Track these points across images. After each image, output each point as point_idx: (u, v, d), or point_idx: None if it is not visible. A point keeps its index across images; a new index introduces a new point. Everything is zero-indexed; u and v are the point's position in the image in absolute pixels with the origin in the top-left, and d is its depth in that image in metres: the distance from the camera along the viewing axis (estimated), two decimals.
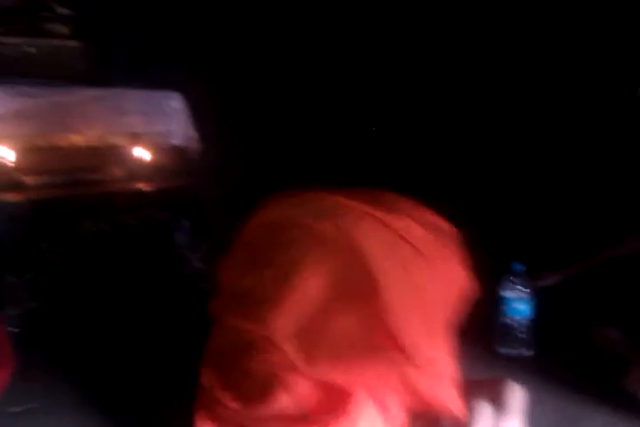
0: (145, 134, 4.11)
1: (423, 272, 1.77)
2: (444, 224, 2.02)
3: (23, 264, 3.16)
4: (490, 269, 2.38)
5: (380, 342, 1.56)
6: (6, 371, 1.56)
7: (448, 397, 1.59)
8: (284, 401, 1.51)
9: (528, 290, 2.84)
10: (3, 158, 3.47)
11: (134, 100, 4.10)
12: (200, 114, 4.30)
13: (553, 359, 2.67)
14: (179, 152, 4.18)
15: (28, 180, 3.53)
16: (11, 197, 3.36)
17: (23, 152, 3.58)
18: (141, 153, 3.99)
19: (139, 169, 3.95)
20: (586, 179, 3.48)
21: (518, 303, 2.82)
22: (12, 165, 3.48)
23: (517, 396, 1.73)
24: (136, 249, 3.52)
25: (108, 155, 3.93)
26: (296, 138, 4.49)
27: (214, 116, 4.42)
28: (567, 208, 3.46)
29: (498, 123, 3.97)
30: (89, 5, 4.58)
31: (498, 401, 1.68)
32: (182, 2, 4.79)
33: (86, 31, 4.36)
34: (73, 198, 3.47)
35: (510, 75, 3.93)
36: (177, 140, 4.22)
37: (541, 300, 2.84)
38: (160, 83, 4.25)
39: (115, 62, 4.43)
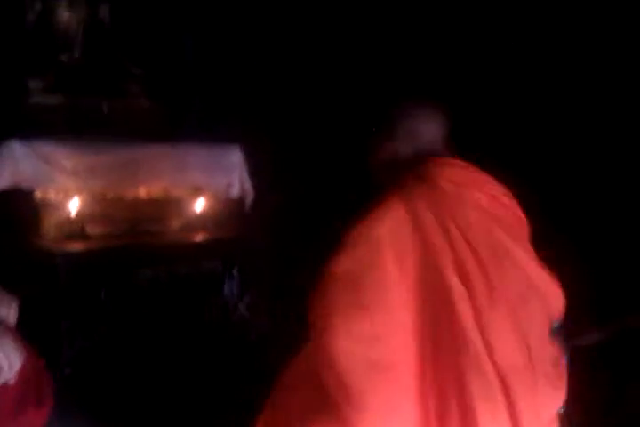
0: (204, 187, 4.36)
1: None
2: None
3: (82, 309, 3.41)
4: None
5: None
6: (46, 409, 1.73)
7: None
8: None
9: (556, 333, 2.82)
10: (71, 210, 3.77)
11: (196, 154, 4.36)
12: (257, 167, 4.53)
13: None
14: (235, 203, 4.41)
15: (95, 230, 3.82)
16: (75, 246, 3.64)
17: (90, 204, 3.89)
18: (199, 205, 4.22)
19: (195, 220, 4.19)
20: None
21: None
22: (79, 216, 3.77)
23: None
24: (188, 297, 3.71)
25: (168, 207, 4.19)
26: (345, 190, 4.62)
27: (270, 169, 4.65)
28: (605, 267, 3.41)
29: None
30: (160, 66, 4.96)
31: None
32: (241, 68, 5.12)
33: (156, 90, 4.72)
34: (131, 248, 3.71)
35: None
36: (234, 192, 4.44)
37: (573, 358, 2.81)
38: (221, 138, 4.52)
39: (180, 119, 4.75)
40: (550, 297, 1.68)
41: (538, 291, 1.63)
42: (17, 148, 3.61)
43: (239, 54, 5.41)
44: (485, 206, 1.63)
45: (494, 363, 1.48)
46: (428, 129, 1.74)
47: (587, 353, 2.84)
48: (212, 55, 5.46)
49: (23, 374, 1.18)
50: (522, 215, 1.73)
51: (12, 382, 1.14)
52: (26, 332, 3.40)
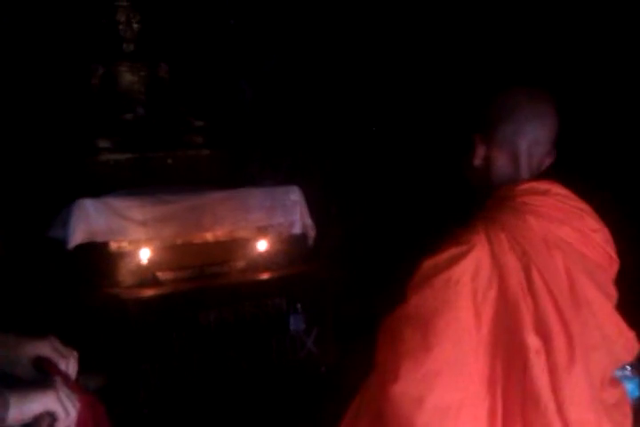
0: (268, 227, 4.51)
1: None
2: None
3: (155, 352, 3.58)
4: None
5: None
6: None
7: None
8: None
9: (635, 368, 2.73)
10: (142, 259, 3.99)
11: (257, 197, 4.52)
12: (317, 204, 4.65)
13: None
14: (298, 241, 4.53)
15: (164, 276, 4.02)
16: (147, 292, 3.84)
17: (160, 251, 4.10)
18: (263, 244, 4.37)
19: (261, 259, 4.33)
20: None
21: (624, 382, 2.71)
22: (150, 263, 3.99)
23: None
24: (255, 335, 3.83)
25: (233, 248, 4.36)
26: (406, 226, 4.66)
27: (331, 206, 4.77)
28: None
29: None
30: (219, 117, 5.22)
31: None
32: (295, 114, 5.30)
33: (217, 140, 4.96)
34: (200, 291, 3.88)
35: None
36: (297, 230, 4.57)
37: None
38: (280, 179, 4.69)
39: (240, 165, 4.96)
40: (621, 345, 1.56)
41: (610, 340, 1.52)
42: (89, 204, 3.88)
43: (293, 99, 5.61)
44: (574, 244, 1.50)
45: (564, 420, 1.39)
46: (533, 130, 1.50)
47: None
48: (267, 103, 5.68)
49: (82, 420, 1.28)
50: (613, 254, 1.56)
51: None
52: (106, 374, 3.59)
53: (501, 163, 1.54)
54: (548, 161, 1.58)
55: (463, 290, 1.41)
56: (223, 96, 5.63)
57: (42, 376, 1.30)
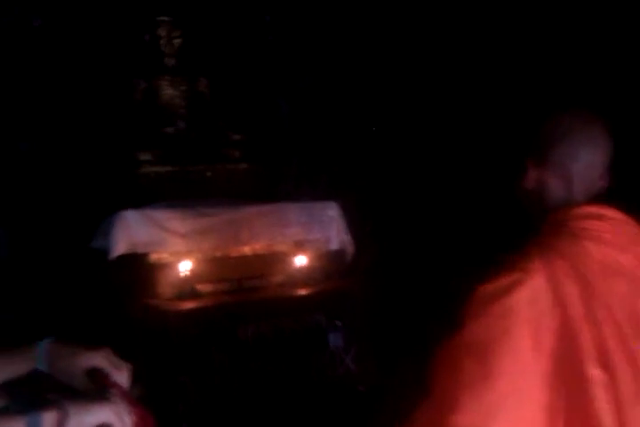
0: (305, 242, 4.50)
1: None
2: None
3: (194, 365, 3.56)
4: None
5: None
6: None
7: None
8: None
9: None
10: (184, 271, 3.99)
11: (295, 211, 4.52)
12: (355, 220, 4.64)
13: None
14: (335, 256, 4.51)
15: (203, 288, 4.01)
16: (186, 304, 3.84)
17: (199, 264, 4.10)
18: (301, 259, 4.35)
19: (298, 274, 4.31)
20: None
21: None
22: (190, 275, 3.99)
23: None
24: (293, 351, 3.80)
25: (271, 262, 4.35)
26: (446, 240, 4.62)
27: (368, 222, 4.75)
28: None
29: None
30: (257, 131, 5.25)
31: None
32: (335, 128, 5.32)
33: (254, 154, 4.99)
34: (238, 304, 3.86)
35: None
36: (334, 246, 4.55)
37: None
38: (319, 194, 4.69)
39: (278, 180, 4.98)
40: None
41: None
42: (130, 216, 3.90)
43: (330, 115, 5.64)
44: (634, 271, 1.44)
45: None
46: (587, 154, 1.47)
47: None
48: (308, 116, 5.71)
49: None
50: None
51: None
52: (143, 384, 3.58)
53: (554, 186, 1.51)
54: (601, 185, 1.54)
55: (521, 319, 1.36)
56: (260, 111, 5.67)
57: (96, 388, 1.29)
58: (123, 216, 3.89)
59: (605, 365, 1.33)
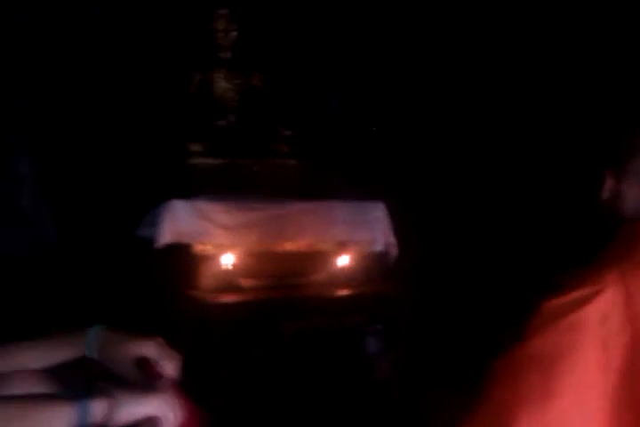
0: (350, 242, 4.45)
1: None
2: None
3: (231, 359, 3.55)
4: None
5: None
6: None
7: None
8: None
9: None
10: (227, 264, 3.99)
11: (341, 210, 4.48)
12: (402, 223, 4.57)
13: None
14: (379, 258, 4.45)
15: (245, 282, 4.00)
16: (228, 297, 3.83)
17: (243, 258, 4.09)
18: (344, 259, 4.30)
19: (340, 274, 4.27)
20: None
21: None
22: (233, 269, 3.98)
23: None
24: (330, 351, 3.75)
25: (314, 261, 4.31)
26: (493, 246, 4.53)
27: (414, 225, 4.67)
28: None
29: None
30: (308, 127, 5.23)
31: None
32: (387, 128, 5.26)
33: (304, 150, 4.96)
34: (279, 301, 3.84)
35: None
36: (379, 247, 4.49)
37: None
38: (366, 194, 4.63)
39: (327, 177, 4.94)
40: None
41: None
42: (178, 206, 3.91)
43: (385, 114, 5.58)
44: None
45: None
46: None
47: None
48: (358, 115, 5.67)
49: (184, 425, 1.24)
50: None
51: None
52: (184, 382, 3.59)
53: (632, 197, 1.46)
54: None
55: (591, 334, 1.29)
56: (312, 108, 5.64)
57: (145, 378, 1.26)
58: (171, 206, 3.91)
59: None
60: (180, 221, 3.90)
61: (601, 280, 1.32)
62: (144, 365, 1.29)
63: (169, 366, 1.31)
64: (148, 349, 1.31)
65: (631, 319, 1.30)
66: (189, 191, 4.24)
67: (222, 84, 5.04)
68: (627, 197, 1.46)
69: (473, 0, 5.12)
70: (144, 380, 1.25)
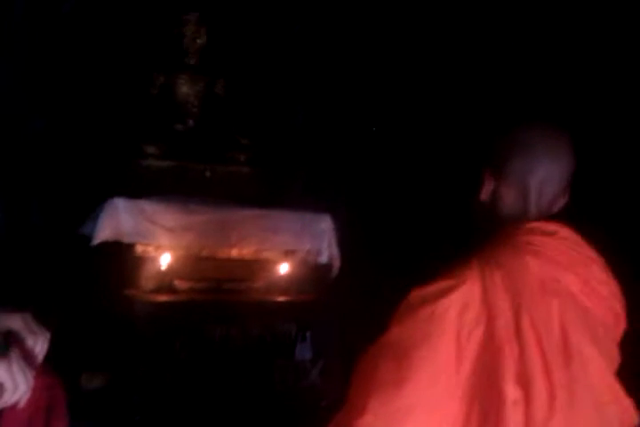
0: (294, 252, 4.49)
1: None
2: None
3: (156, 359, 3.56)
4: None
5: None
6: None
7: None
8: None
9: None
10: (164, 265, 4.01)
11: (287, 220, 4.52)
12: (346, 235, 4.62)
13: None
14: (321, 270, 4.49)
15: (180, 284, 4.03)
16: (160, 297, 3.85)
17: (182, 260, 4.12)
18: (285, 268, 4.34)
19: (279, 282, 4.30)
20: None
21: None
22: (170, 270, 4.00)
23: None
24: (258, 358, 3.77)
25: (255, 268, 4.35)
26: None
27: (358, 238, 4.72)
28: None
29: None
30: (266, 137, 5.28)
31: None
32: (344, 143, 5.34)
33: (259, 159, 5.01)
34: (210, 304, 3.87)
35: None
36: (322, 259, 4.53)
37: None
38: (313, 206, 4.68)
39: (278, 187, 4.99)
40: (614, 412, 1.42)
41: (601, 404, 1.39)
42: (120, 204, 3.94)
43: (344, 130, 5.65)
44: (575, 294, 1.39)
45: None
46: (545, 169, 1.42)
47: None
48: (320, 127, 5.73)
49: (34, 399, 1.25)
50: (620, 311, 1.45)
51: (20, 405, 1.21)
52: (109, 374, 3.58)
53: (509, 200, 1.46)
54: (560, 202, 1.49)
55: (447, 325, 1.31)
56: (275, 118, 5.70)
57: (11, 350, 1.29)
58: (112, 203, 3.94)
59: (523, 384, 1.29)
60: (121, 220, 3.93)
61: (464, 274, 1.34)
62: (8, 338, 1.33)
63: (32, 340, 1.34)
64: (14, 322, 1.34)
65: (489, 315, 1.32)
66: (138, 191, 4.27)
67: (184, 89, 5.09)
68: (504, 198, 1.46)
69: (431, 16, 5.22)
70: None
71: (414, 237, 5.05)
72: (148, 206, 4.09)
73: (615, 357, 1.44)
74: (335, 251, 4.57)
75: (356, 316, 4.16)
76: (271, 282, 4.31)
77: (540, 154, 1.42)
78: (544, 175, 1.43)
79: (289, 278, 4.33)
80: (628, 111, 4.24)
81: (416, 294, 1.36)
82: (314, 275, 4.46)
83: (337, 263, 4.54)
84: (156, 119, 4.89)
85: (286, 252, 4.49)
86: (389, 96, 5.49)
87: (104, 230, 3.86)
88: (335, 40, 5.69)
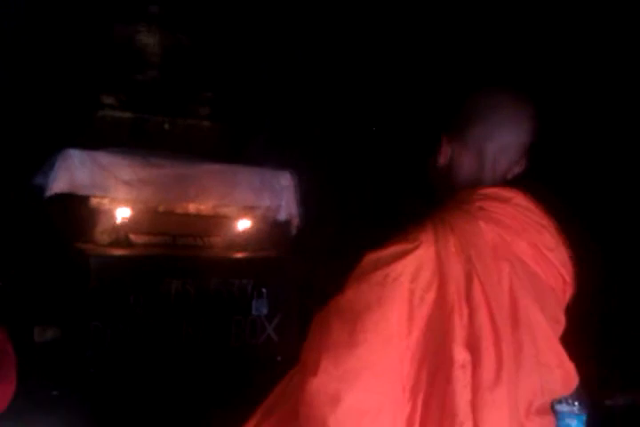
0: (253, 208, 4.45)
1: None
2: None
3: (110, 313, 3.53)
4: None
5: None
6: (4, 388, 1.84)
7: None
8: None
9: (581, 405, 2.66)
10: (120, 219, 3.94)
11: (247, 176, 4.47)
12: (307, 193, 4.59)
13: None
14: (279, 226, 4.47)
15: (136, 238, 3.97)
16: (115, 251, 3.80)
17: (139, 214, 4.05)
18: (244, 224, 4.31)
19: (236, 239, 4.27)
20: None
21: (570, 419, 2.64)
22: (126, 224, 3.94)
23: None
24: (215, 313, 3.77)
25: (213, 224, 4.31)
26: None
27: (322, 197, 4.70)
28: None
29: None
30: (230, 91, 5.17)
31: None
32: (306, 99, 5.26)
33: (222, 113, 4.91)
34: (166, 258, 3.83)
35: None
36: (281, 216, 4.51)
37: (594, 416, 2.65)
38: (275, 163, 4.62)
39: (240, 143, 4.91)
40: (558, 376, 1.46)
41: (546, 368, 1.42)
42: (74, 155, 3.84)
43: (309, 87, 5.56)
44: (526, 260, 1.40)
45: None
46: (503, 135, 1.41)
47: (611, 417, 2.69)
48: (283, 86, 5.63)
49: None
50: (568, 278, 1.46)
51: None
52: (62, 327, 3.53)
53: (465, 166, 1.46)
54: (517, 169, 1.48)
55: (400, 288, 1.32)
56: (240, 72, 5.57)
57: None
58: (66, 154, 3.83)
59: (471, 347, 1.31)
60: (76, 171, 3.83)
61: (418, 238, 1.34)
62: None
63: None
64: None
65: (441, 280, 1.33)
66: (94, 143, 4.16)
67: (145, 39, 4.92)
68: (461, 164, 1.45)
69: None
70: None
71: (378, 196, 5.05)
72: (105, 158, 3.99)
73: (561, 322, 1.45)
74: (295, 208, 4.55)
75: (316, 274, 4.17)
76: (229, 238, 4.28)
77: (497, 121, 1.41)
78: (501, 142, 1.42)
79: (247, 235, 4.30)
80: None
81: (370, 257, 1.35)
82: (273, 232, 4.44)
83: (296, 221, 4.53)
84: (115, 69, 4.73)
85: (245, 208, 4.45)
86: (355, 55, 5.40)
87: (58, 182, 3.76)
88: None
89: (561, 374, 1.45)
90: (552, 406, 2.61)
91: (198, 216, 4.29)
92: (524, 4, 4.58)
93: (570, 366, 1.45)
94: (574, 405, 2.75)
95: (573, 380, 1.48)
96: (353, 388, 1.28)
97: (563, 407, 2.77)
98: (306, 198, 4.60)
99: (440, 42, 4.92)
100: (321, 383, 1.29)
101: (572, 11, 4.31)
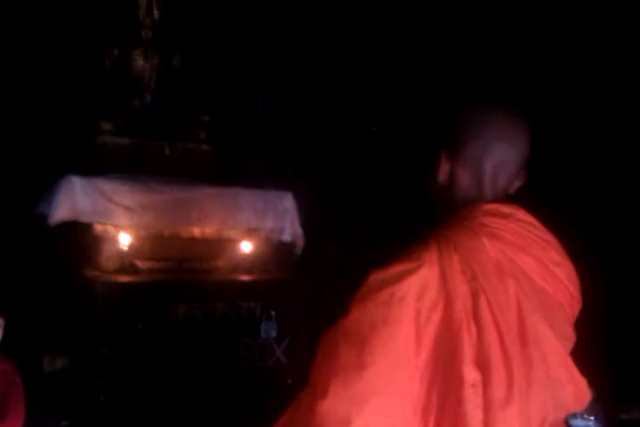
0: (256, 230, 4.44)
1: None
2: None
3: (118, 340, 3.50)
4: None
5: None
6: (11, 421, 1.83)
7: None
8: None
9: (597, 420, 2.64)
10: (124, 245, 3.92)
11: (249, 198, 4.46)
12: (307, 213, 4.59)
13: None
14: (284, 248, 4.46)
15: (141, 264, 3.95)
16: (121, 278, 3.77)
17: (143, 240, 4.03)
18: (248, 246, 4.30)
19: (242, 261, 4.25)
20: None
21: None
22: (131, 250, 3.92)
23: None
24: (223, 337, 3.74)
25: (218, 247, 4.29)
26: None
27: (320, 216, 4.70)
28: None
29: None
30: (227, 115, 5.19)
31: None
32: (305, 121, 5.29)
33: (220, 136, 4.91)
34: (172, 283, 3.81)
35: None
36: (285, 237, 4.50)
37: None
38: (276, 185, 4.63)
39: (239, 165, 4.92)
40: (569, 392, 1.44)
41: (557, 384, 1.41)
42: (76, 182, 3.83)
43: (305, 108, 5.59)
44: (532, 276, 1.40)
45: None
46: (500, 152, 1.41)
47: None
48: (278, 108, 5.65)
49: None
50: (575, 293, 1.45)
51: None
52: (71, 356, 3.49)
53: (465, 182, 1.46)
54: (516, 184, 1.49)
55: (406, 308, 1.31)
56: (236, 96, 5.60)
57: None
58: (68, 181, 3.82)
59: (481, 366, 1.30)
60: (78, 199, 3.82)
61: (422, 257, 1.33)
62: None
63: None
64: None
65: (447, 298, 1.32)
66: (94, 169, 4.15)
67: (140, 63, 4.94)
68: (460, 181, 1.45)
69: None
70: None
71: (379, 215, 5.06)
72: (105, 185, 3.98)
73: (570, 337, 1.45)
74: (298, 229, 4.54)
75: (323, 295, 4.16)
76: (235, 261, 4.27)
77: (493, 137, 1.41)
78: (499, 158, 1.42)
79: (252, 257, 4.29)
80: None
81: (375, 276, 1.35)
82: (278, 254, 4.43)
83: (300, 242, 4.52)
84: (111, 94, 4.74)
85: (249, 230, 4.44)
86: (350, 73, 5.44)
87: (61, 210, 3.75)
88: (294, 17, 5.60)
89: (572, 390, 1.44)
90: (567, 422, 2.58)
91: (203, 240, 4.27)
92: (525, 9, 4.63)
93: (581, 382, 1.44)
94: (590, 419, 2.74)
95: (585, 395, 1.46)
96: (363, 411, 1.27)
97: (578, 422, 2.76)
98: (306, 218, 4.60)
99: (437, 54, 4.96)
100: (331, 406, 1.27)
101: (570, 15, 4.36)
